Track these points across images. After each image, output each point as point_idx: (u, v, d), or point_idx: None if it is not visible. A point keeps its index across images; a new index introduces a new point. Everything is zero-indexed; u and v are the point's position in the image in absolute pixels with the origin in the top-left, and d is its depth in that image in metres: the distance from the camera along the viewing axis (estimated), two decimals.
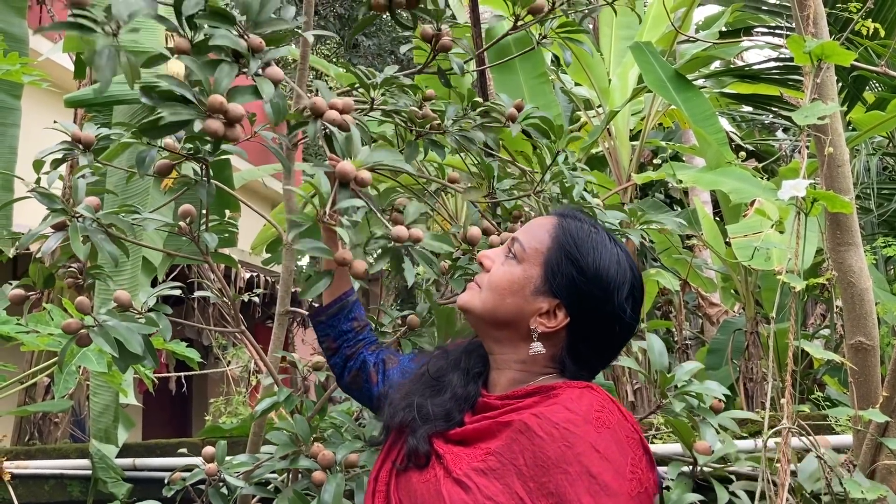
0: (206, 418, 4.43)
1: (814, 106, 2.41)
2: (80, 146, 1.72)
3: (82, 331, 1.56)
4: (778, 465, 1.72)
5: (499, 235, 1.72)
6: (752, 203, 3.67)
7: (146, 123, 1.41)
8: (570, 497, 1.08)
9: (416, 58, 5.39)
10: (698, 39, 4.26)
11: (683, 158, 7.06)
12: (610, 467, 1.09)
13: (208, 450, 1.88)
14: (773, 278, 5.14)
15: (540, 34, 1.76)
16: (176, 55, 1.48)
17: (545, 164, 1.71)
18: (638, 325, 1.27)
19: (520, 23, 1.71)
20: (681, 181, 4.33)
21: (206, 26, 1.44)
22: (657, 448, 2.33)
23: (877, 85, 5.44)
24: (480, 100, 1.97)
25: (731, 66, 6.73)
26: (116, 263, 1.46)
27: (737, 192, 4.17)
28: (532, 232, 1.29)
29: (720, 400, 1.54)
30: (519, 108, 1.90)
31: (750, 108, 8.00)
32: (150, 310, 1.66)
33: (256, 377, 4.51)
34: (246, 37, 1.46)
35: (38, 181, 1.63)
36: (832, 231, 1.99)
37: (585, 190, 1.74)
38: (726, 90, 6.41)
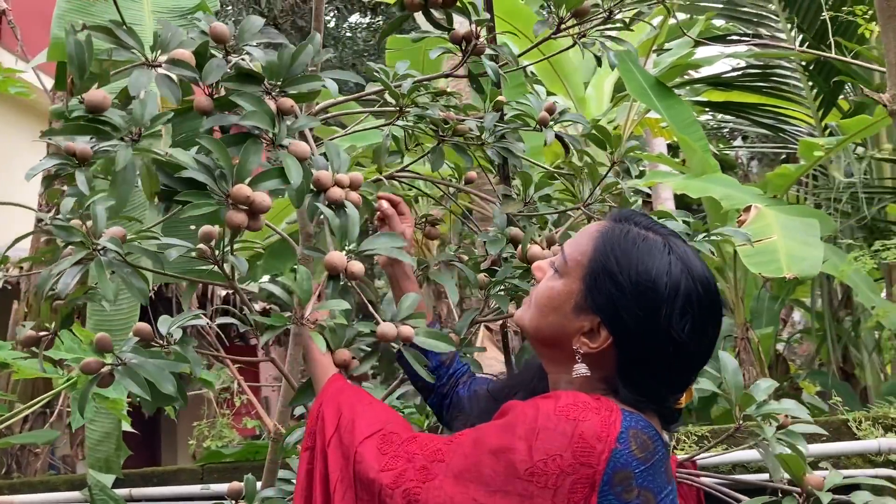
0: (190, 442, 4.28)
1: None
2: (76, 160, 1.60)
3: (104, 370, 1.44)
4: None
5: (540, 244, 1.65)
6: (748, 209, 3.66)
7: (162, 191, 1.31)
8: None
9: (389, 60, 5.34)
10: (707, 41, 4.25)
11: (646, 166, 7.10)
12: (518, 434, 1.03)
13: (235, 486, 1.76)
14: (754, 284, 5.18)
15: (579, 33, 1.68)
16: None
17: (597, 174, 1.63)
18: (708, 343, 1.12)
19: (563, 26, 1.64)
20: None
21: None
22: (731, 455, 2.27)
23: (850, 91, 5.52)
24: (503, 99, 1.90)
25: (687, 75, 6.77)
26: (147, 300, 1.34)
27: (728, 199, 4.17)
28: (577, 242, 1.17)
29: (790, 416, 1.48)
30: (550, 111, 1.83)
31: (709, 117, 8.07)
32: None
33: (240, 398, 4.38)
34: (274, 97, 1.37)
35: (51, 210, 1.50)
36: None
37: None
38: (699, 98, 6.45)
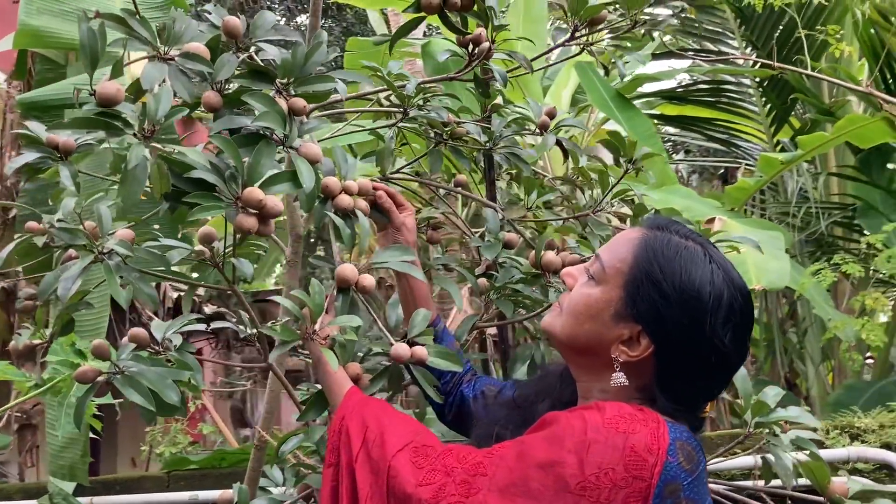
0: (143, 448, 4.15)
1: None
2: (58, 153, 1.52)
3: (100, 378, 1.37)
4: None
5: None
6: (711, 221, 3.72)
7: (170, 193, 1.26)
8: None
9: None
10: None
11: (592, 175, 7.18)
12: (566, 448, 1.00)
13: (226, 495, 1.70)
14: None
15: (587, 41, 1.68)
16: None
17: (607, 181, 1.63)
18: (745, 352, 1.13)
19: (578, 33, 1.63)
20: None
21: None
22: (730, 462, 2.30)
23: (800, 109, 5.68)
24: (500, 102, 1.88)
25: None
26: (156, 306, 1.28)
27: (689, 210, 4.24)
28: (614, 249, 1.15)
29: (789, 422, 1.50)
30: (551, 116, 1.82)
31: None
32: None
33: (194, 403, 4.26)
34: (286, 96, 1.32)
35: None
36: None
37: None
38: (653, 111, 6.56)
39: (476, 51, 1.69)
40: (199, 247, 1.51)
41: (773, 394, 1.47)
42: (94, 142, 1.60)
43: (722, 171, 9.55)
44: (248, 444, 2.96)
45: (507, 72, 1.73)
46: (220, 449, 3.07)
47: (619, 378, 1.10)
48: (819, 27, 4.22)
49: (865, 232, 4.89)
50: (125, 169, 1.20)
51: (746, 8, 5.29)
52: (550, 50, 1.77)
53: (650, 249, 1.11)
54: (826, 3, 4.46)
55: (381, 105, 1.88)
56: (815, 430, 2.27)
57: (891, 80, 4.38)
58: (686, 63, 6.25)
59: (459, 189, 2.01)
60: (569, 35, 1.63)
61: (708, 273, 1.09)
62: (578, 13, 1.58)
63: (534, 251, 1.61)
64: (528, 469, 1.02)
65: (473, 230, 2.19)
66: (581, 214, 1.68)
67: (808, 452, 1.45)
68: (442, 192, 2.05)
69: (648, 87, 6.68)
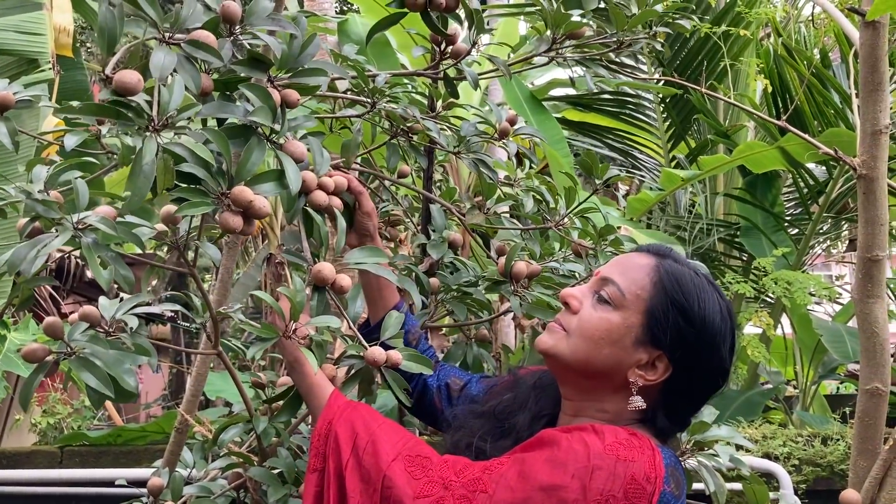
0: (17, 418, 3.90)
1: None
2: None
3: (50, 358, 1.29)
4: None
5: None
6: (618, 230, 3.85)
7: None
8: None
9: None
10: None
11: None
12: (569, 472, 1.04)
13: (155, 482, 1.63)
14: None
15: (559, 54, 1.71)
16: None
17: (573, 196, 1.67)
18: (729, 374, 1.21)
19: (556, 45, 1.65)
20: None
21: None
22: None
23: (696, 129, 5.96)
24: (455, 100, 1.89)
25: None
26: (132, 287, 1.22)
27: (595, 217, 4.38)
28: (629, 274, 1.16)
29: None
30: (512, 122, 1.84)
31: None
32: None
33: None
34: (277, 88, 1.28)
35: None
36: (863, 283, 2.07)
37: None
38: (557, 115, 6.71)
39: (449, 50, 1.69)
40: (160, 226, 1.45)
41: (708, 412, 1.55)
42: (31, 98, 1.51)
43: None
44: (149, 422, 2.85)
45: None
46: (124, 427, 2.95)
47: (638, 401, 1.13)
48: (738, 57, 4.44)
49: (746, 249, 5.21)
50: (136, 163, 1.13)
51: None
52: (523, 59, 1.79)
53: (671, 278, 1.15)
54: (745, 35, 4.70)
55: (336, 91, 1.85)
56: (747, 450, 2.41)
57: (782, 110, 4.67)
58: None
59: (404, 181, 2.00)
60: (547, 47, 1.65)
61: (716, 301, 1.16)
62: (559, 26, 1.61)
63: (503, 258, 1.63)
64: (530, 491, 1.04)
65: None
66: (543, 227, 1.72)
67: (749, 474, 1.54)
68: (387, 183, 2.04)
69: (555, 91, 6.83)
